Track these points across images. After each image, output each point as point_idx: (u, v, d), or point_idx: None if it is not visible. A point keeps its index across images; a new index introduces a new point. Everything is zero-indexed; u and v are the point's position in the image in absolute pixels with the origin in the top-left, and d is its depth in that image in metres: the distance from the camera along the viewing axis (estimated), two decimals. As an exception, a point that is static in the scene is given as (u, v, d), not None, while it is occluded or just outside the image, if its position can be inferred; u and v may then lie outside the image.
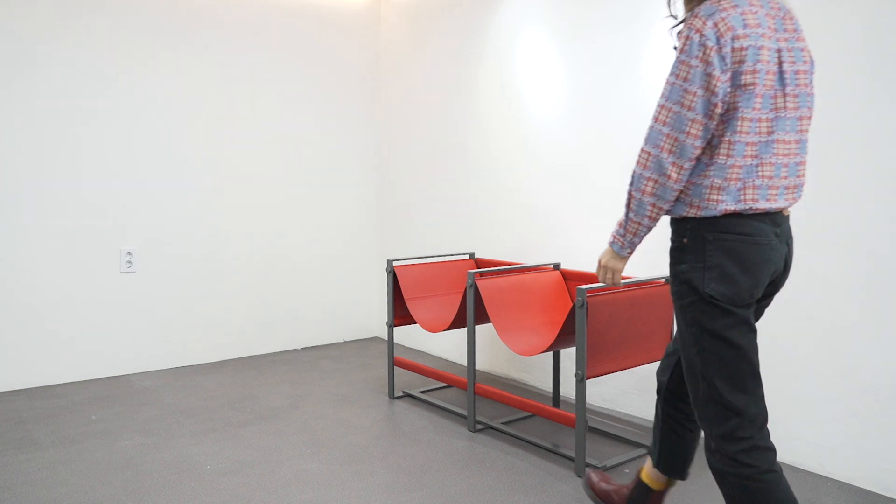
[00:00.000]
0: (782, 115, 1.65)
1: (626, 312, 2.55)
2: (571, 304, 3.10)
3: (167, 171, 3.91)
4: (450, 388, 3.58)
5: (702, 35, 1.60)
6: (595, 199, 3.27)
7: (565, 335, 2.64)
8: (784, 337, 2.59)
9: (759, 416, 1.66)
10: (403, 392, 3.48)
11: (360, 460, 2.61)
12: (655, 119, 1.65)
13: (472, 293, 2.91)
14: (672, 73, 1.64)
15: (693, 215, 1.67)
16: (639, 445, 2.76)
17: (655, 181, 1.65)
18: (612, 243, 1.80)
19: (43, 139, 3.56)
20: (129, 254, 3.81)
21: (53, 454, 2.69)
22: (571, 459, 2.61)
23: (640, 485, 2.06)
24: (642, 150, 1.67)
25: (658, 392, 1.98)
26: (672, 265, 1.74)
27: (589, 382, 3.27)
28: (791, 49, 1.67)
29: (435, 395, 3.44)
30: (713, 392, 1.66)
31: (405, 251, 4.46)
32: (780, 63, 1.64)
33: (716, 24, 1.59)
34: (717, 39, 1.58)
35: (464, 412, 3.12)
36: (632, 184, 1.70)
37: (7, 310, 3.50)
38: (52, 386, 3.60)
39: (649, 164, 1.65)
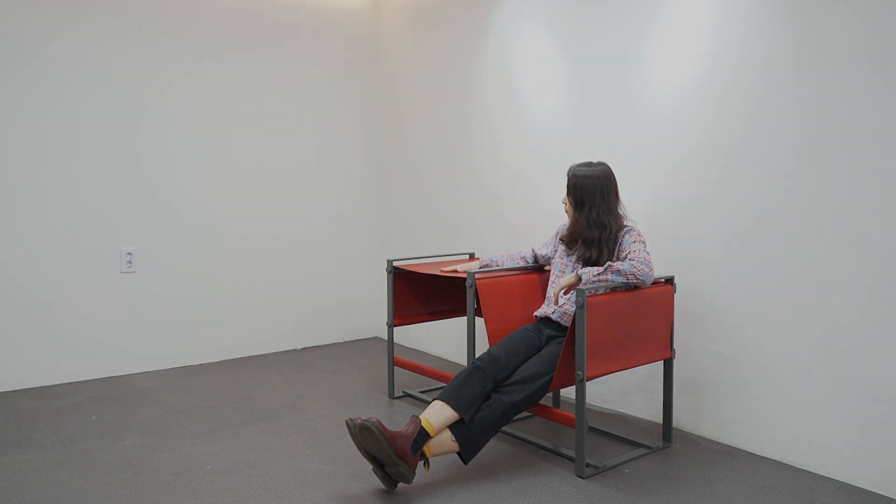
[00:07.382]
0: None
1: (626, 312, 2.55)
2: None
3: (167, 172, 3.91)
4: (450, 388, 3.57)
5: None
6: (595, 199, 3.26)
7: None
8: (784, 337, 2.59)
9: None
10: (403, 392, 3.48)
11: (360, 460, 2.61)
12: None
13: (471, 294, 2.91)
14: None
15: None
16: (639, 445, 2.75)
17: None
18: (582, 275, 2.54)
19: (43, 139, 3.56)
20: (129, 254, 3.81)
21: (53, 454, 2.69)
22: (571, 459, 2.61)
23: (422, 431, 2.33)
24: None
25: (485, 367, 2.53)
26: None
27: (589, 382, 3.27)
28: None
29: (435, 395, 3.44)
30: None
31: (405, 251, 4.46)
32: None
33: None
34: None
35: (464, 412, 3.12)
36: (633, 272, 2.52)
37: (7, 310, 3.51)
38: (52, 386, 3.60)
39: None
